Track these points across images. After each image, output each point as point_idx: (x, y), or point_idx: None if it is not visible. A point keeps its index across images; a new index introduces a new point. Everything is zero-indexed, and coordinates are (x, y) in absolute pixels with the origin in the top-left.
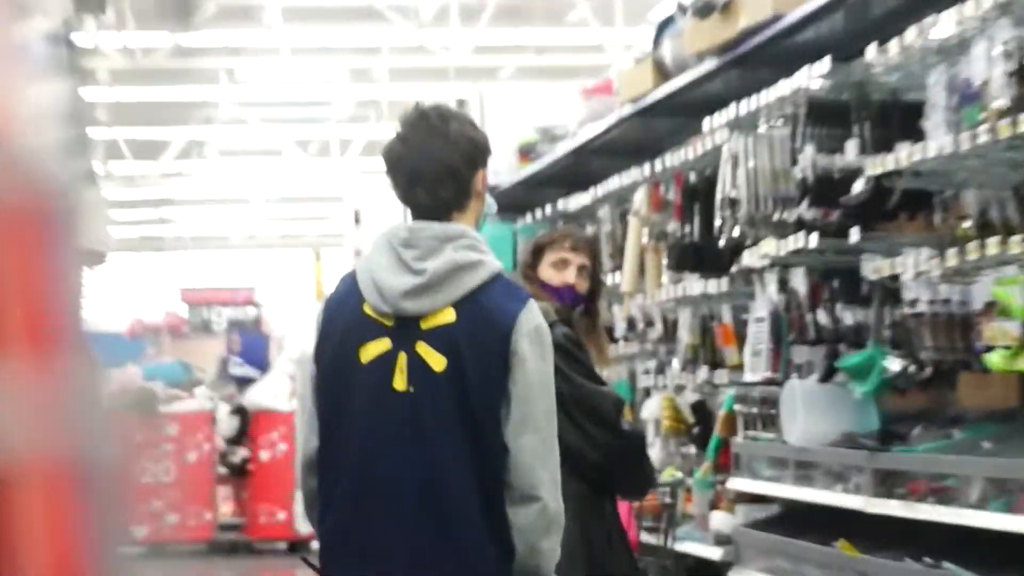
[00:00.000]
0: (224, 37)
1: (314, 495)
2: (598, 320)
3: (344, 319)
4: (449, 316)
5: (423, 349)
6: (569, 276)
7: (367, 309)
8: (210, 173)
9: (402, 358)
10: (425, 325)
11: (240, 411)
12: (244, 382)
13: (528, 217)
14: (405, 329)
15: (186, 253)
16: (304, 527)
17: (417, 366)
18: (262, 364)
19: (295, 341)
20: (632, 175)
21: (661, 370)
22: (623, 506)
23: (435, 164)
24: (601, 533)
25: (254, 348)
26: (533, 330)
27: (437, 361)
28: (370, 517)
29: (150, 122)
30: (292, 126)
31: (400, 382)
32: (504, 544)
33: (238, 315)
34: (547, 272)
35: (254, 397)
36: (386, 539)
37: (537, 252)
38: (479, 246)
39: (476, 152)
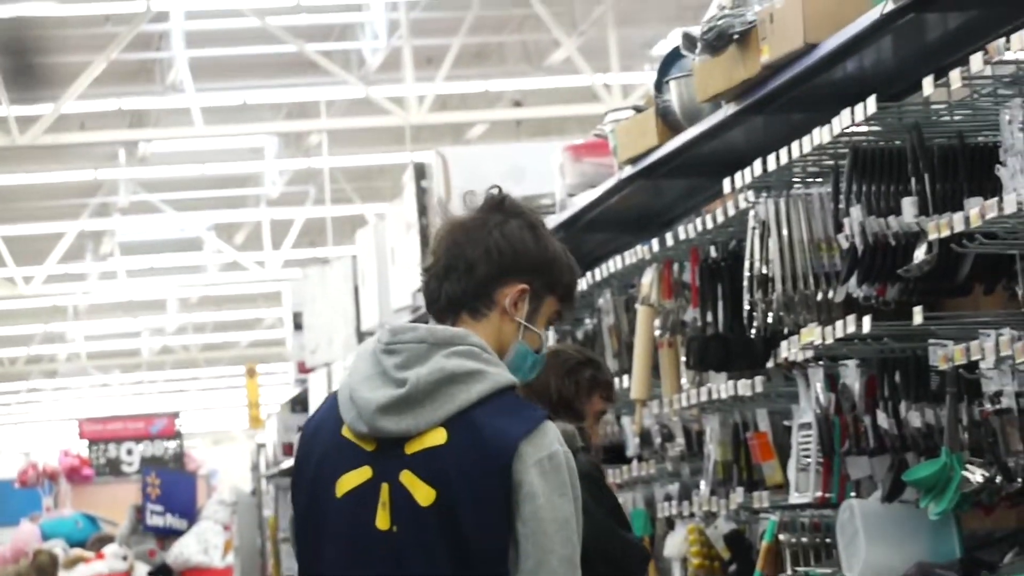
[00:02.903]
0: (119, 102)
1: None
2: None
3: (321, 446)
4: (439, 438)
5: (408, 479)
6: (596, 434)
7: (346, 432)
8: (110, 274)
9: (385, 490)
10: (410, 449)
11: (163, 571)
12: (167, 534)
13: None
14: (388, 454)
15: (84, 377)
16: None
17: (402, 500)
18: (189, 511)
19: (229, 480)
20: (637, 253)
21: (686, 495)
22: None
23: (454, 250)
24: None
25: (177, 491)
26: (546, 459)
27: (424, 494)
28: None
29: (32, 215)
30: (211, 211)
31: (384, 520)
32: None
33: (155, 451)
34: (589, 418)
35: (180, 553)
36: None
37: (592, 387)
38: (482, 355)
39: (512, 257)
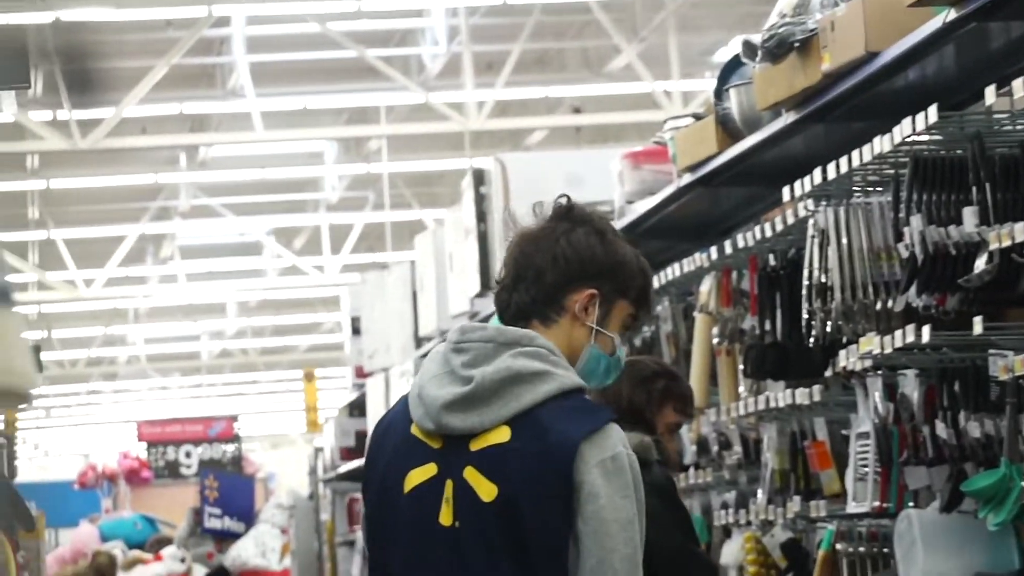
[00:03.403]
0: (180, 106)
1: None
2: None
3: (391, 443)
4: (503, 435)
5: (471, 475)
6: (673, 446)
7: (414, 429)
8: (170, 278)
9: (449, 486)
10: (475, 446)
11: (221, 573)
12: (225, 537)
13: None
14: (454, 451)
15: (144, 379)
16: None
17: (465, 496)
18: (246, 514)
19: (286, 483)
20: (696, 260)
21: (743, 503)
22: None
23: (522, 260)
24: None
25: (235, 494)
26: (609, 460)
27: (487, 490)
28: None
29: (93, 218)
30: (271, 215)
31: (447, 516)
32: None
33: (213, 454)
34: (661, 429)
35: (238, 555)
36: None
37: (664, 398)
38: (549, 356)
39: (579, 264)
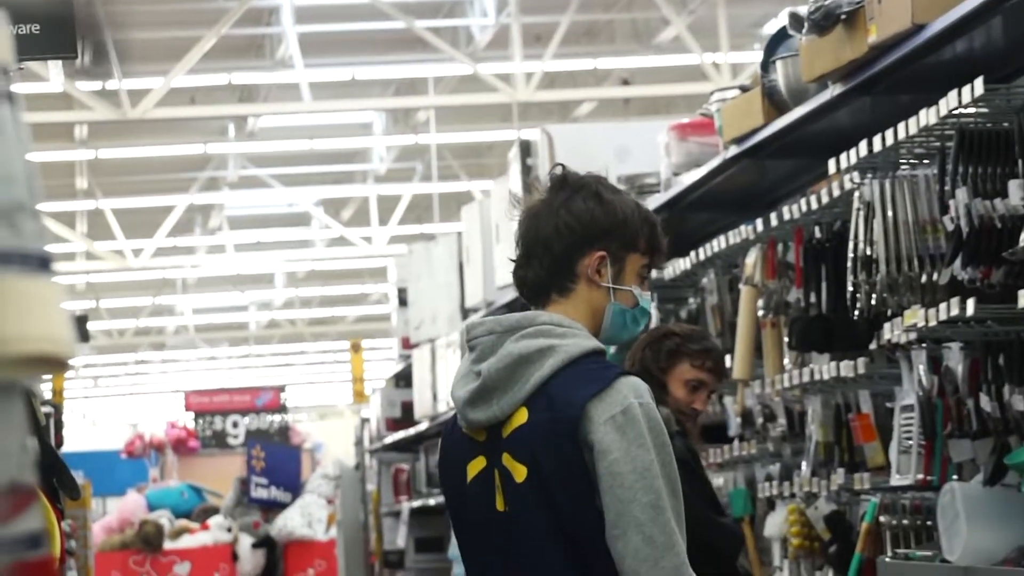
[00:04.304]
0: (229, 77)
1: None
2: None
3: (454, 440)
4: (522, 417)
5: (507, 460)
6: (699, 402)
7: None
8: (219, 248)
9: (496, 475)
10: (505, 432)
11: (267, 543)
12: (271, 507)
13: None
14: (494, 441)
15: (192, 350)
16: None
17: (507, 481)
18: (293, 484)
19: (333, 454)
20: (742, 233)
21: (787, 475)
22: None
23: (529, 236)
24: None
25: (282, 465)
26: (619, 414)
27: (519, 472)
28: None
29: (141, 188)
30: (319, 186)
31: (501, 502)
32: None
33: (260, 424)
34: (677, 387)
35: (284, 525)
36: None
37: (673, 355)
38: (554, 331)
39: (581, 229)
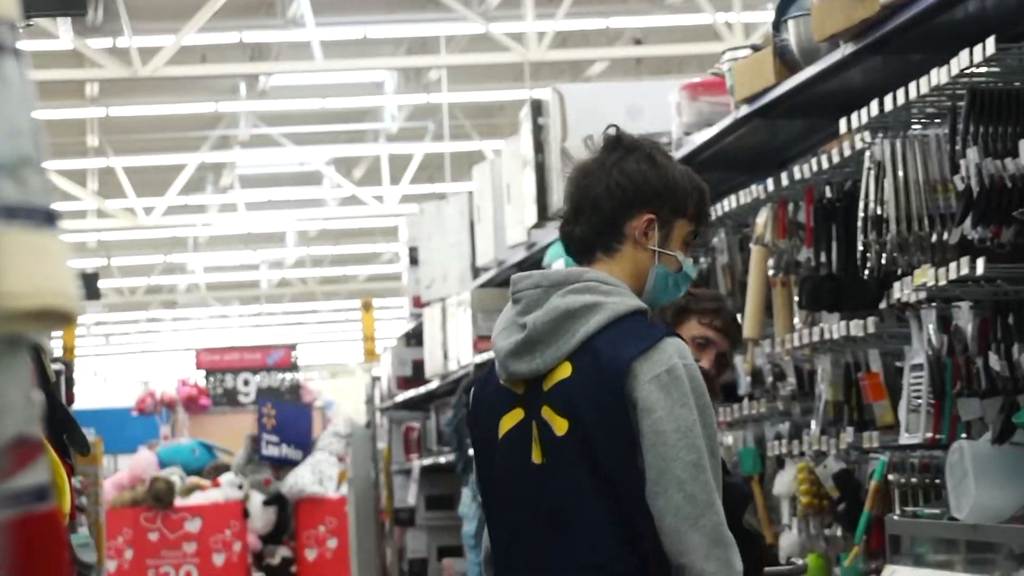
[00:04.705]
0: (240, 35)
1: None
2: None
3: (487, 393)
4: (566, 371)
5: (547, 412)
6: (706, 360)
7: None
8: (230, 207)
9: (534, 426)
10: (546, 385)
11: (278, 500)
12: (282, 464)
13: None
14: (533, 393)
15: (203, 308)
16: None
17: (546, 433)
18: (304, 442)
19: (344, 412)
20: (752, 192)
21: (796, 434)
22: None
23: (579, 194)
24: None
25: (293, 422)
26: (664, 373)
27: (560, 425)
28: None
29: (152, 146)
30: (330, 145)
31: (537, 454)
32: None
33: (271, 382)
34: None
35: (295, 483)
36: None
37: (681, 312)
38: (600, 287)
39: (633, 191)
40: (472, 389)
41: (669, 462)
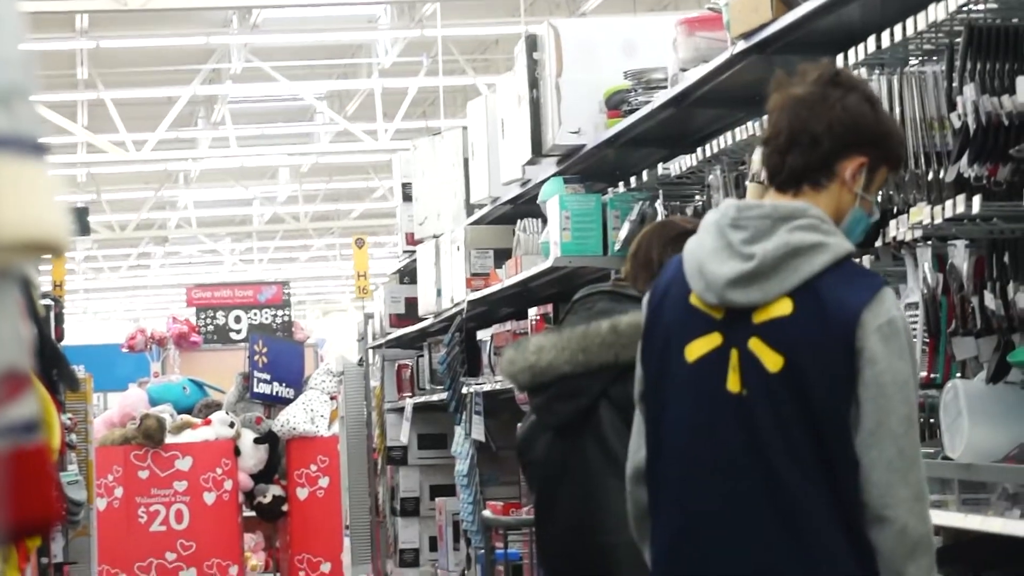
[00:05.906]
0: None
1: (643, 510)
2: None
3: (670, 313)
4: (785, 308)
5: (756, 345)
6: None
7: (694, 299)
8: (222, 141)
9: (735, 355)
10: (758, 318)
11: (269, 439)
12: (274, 402)
13: (620, 186)
14: (737, 322)
15: (194, 244)
16: None
17: (750, 365)
18: (295, 380)
19: (336, 350)
20: (749, 129)
21: None
22: None
23: (796, 124)
24: None
25: (284, 360)
26: (885, 324)
27: (773, 360)
28: (705, 539)
29: (143, 80)
30: (323, 80)
31: (735, 383)
32: (868, 571)
33: (263, 319)
34: None
35: (287, 421)
36: (726, 564)
37: (680, 239)
38: (821, 226)
39: (854, 131)
40: (647, 304)
41: (887, 414)
